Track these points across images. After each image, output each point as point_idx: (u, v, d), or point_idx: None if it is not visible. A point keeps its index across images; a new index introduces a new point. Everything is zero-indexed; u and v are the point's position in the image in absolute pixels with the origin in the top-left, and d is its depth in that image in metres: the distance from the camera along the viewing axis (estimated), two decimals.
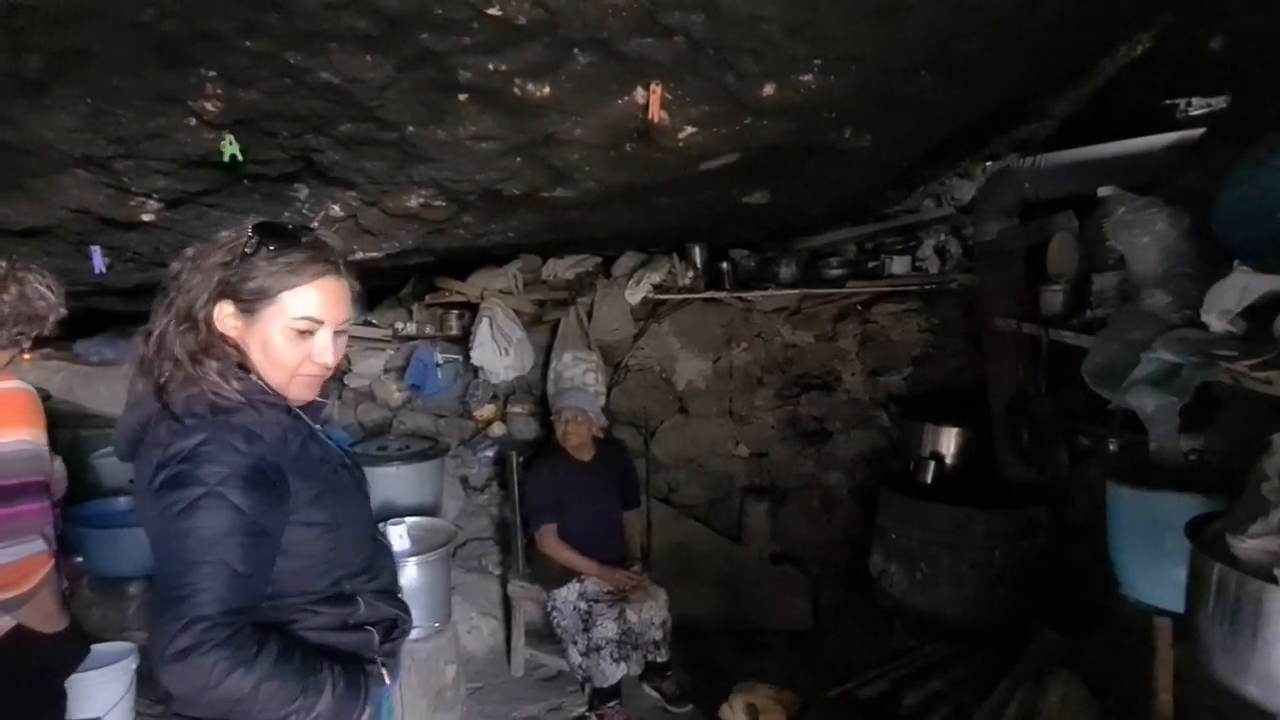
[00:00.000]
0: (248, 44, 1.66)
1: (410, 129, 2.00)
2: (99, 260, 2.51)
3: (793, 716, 2.62)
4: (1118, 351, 1.60)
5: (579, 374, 3.66)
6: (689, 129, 2.07)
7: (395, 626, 1.32)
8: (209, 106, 1.87)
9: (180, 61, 1.71)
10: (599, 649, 3.06)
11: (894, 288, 3.68)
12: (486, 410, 3.90)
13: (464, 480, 3.94)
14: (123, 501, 3.30)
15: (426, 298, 3.94)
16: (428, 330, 3.91)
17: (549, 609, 3.27)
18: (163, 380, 1.14)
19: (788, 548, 3.90)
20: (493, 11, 1.54)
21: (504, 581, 3.63)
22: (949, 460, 3.38)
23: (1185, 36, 2.41)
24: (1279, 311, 1.33)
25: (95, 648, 2.26)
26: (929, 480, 3.31)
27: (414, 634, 1.83)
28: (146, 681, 2.62)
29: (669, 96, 1.92)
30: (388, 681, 1.27)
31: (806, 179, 2.68)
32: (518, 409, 3.89)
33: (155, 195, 2.21)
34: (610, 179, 2.43)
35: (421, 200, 2.39)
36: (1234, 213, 1.53)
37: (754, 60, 1.76)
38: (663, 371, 3.98)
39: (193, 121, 1.92)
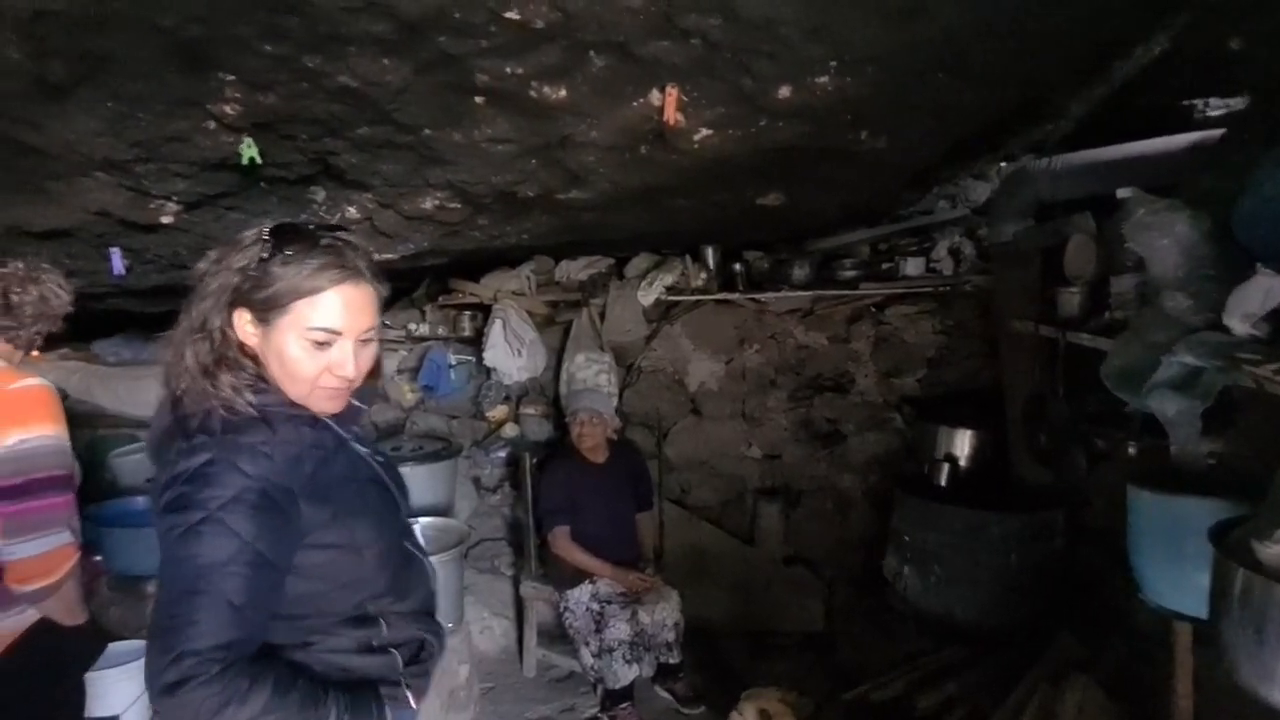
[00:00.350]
0: (267, 48, 1.68)
1: (427, 131, 2.02)
2: (118, 262, 2.54)
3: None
4: (1138, 354, 1.59)
5: (591, 375, 3.67)
6: (704, 131, 2.08)
7: (423, 648, 1.24)
8: (228, 110, 1.89)
9: (200, 66, 1.73)
10: (611, 650, 3.06)
11: (908, 289, 3.66)
12: (499, 411, 3.91)
13: (476, 481, 3.95)
14: (141, 501, 3.32)
15: (440, 299, 3.95)
16: (441, 331, 3.93)
17: (562, 610, 3.27)
18: (179, 392, 1.09)
19: (800, 550, 3.89)
20: (510, 15, 1.55)
21: (516, 582, 3.64)
22: (964, 462, 3.35)
23: (1203, 37, 2.39)
24: None
25: (113, 646, 2.28)
26: (943, 482, 3.29)
27: None
28: None
29: (684, 99, 1.92)
30: (413, 705, 1.19)
31: (821, 181, 2.68)
32: (530, 410, 3.90)
33: (174, 198, 2.23)
34: (625, 181, 2.44)
35: (437, 202, 2.40)
36: (1256, 215, 1.51)
37: (770, 63, 1.75)
38: (675, 373, 3.98)
39: (212, 125, 1.94)
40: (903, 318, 3.80)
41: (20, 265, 1.77)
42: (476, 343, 3.80)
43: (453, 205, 2.43)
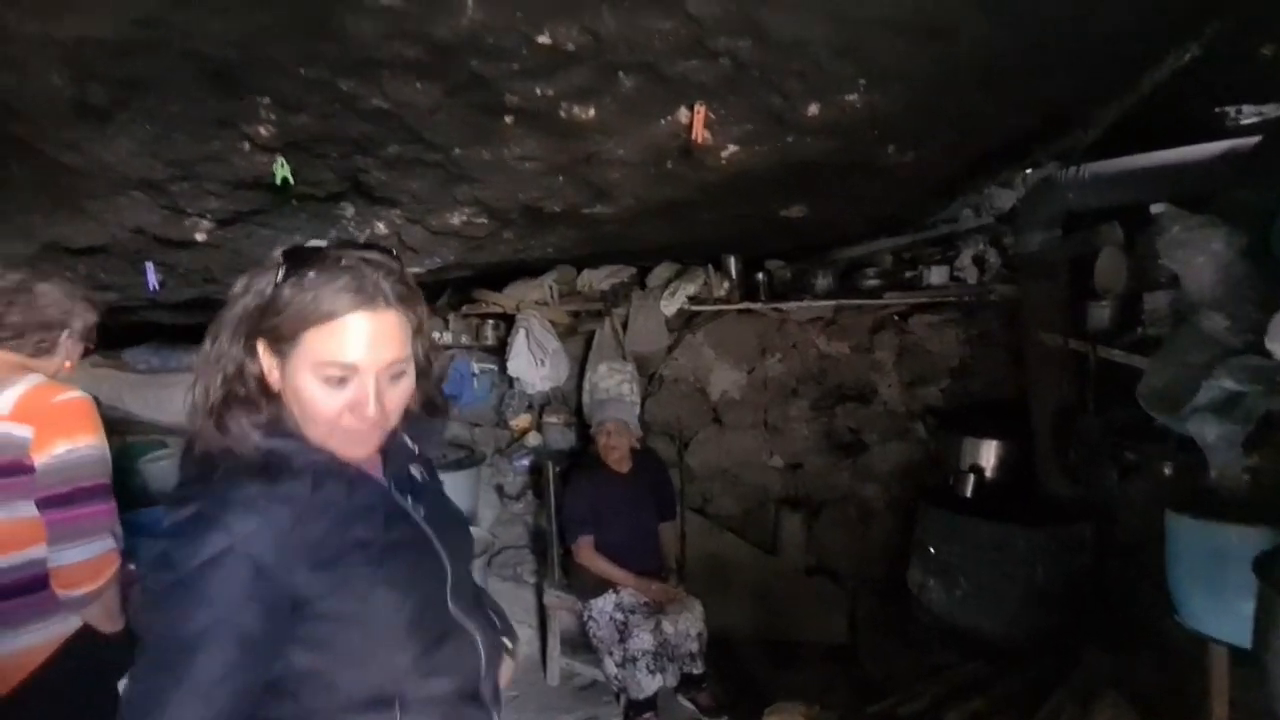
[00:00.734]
0: (302, 71, 1.70)
1: (456, 150, 2.03)
2: (153, 277, 2.58)
3: None
4: (1174, 375, 1.57)
5: (614, 385, 3.68)
6: (731, 147, 2.08)
7: None
8: (262, 131, 1.92)
9: (237, 88, 1.76)
10: (635, 660, 3.07)
11: (932, 299, 3.63)
12: (522, 420, 3.93)
13: (499, 489, 3.98)
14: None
15: (463, 308, 3.98)
16: (464, 340, 3.96)
17: (585, 619, 3.28)
18: (193, 431, 0.98)
19: (823, 560, 3.88)
20: (542, 39, 1.56)
21: (539, 590, 3.65)
22: (989, 474, 3.33)
23: (1235, 44, 2.35)
24: None
25: None
26: (968, 494, 3.27)
27: None
28: None
29: (712, 116, 1.92)
30: None
31: (846, 193, 2.67)
32: (553, 419, 3.92)
33: (208, 215, 2.27)
34: (650, 195, 2.44)
35: (464, 218, 2.42)
36: None
37: (799, 81, 1.76)
38: (697, 382, 3.98)
39: (246, 145, 1.97)
40: (926, 327, 3.78)
41: (14, 276, 1.77)
42: (499, 351, 3.83)
43: (479, 220, 2.45)
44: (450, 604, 1.07)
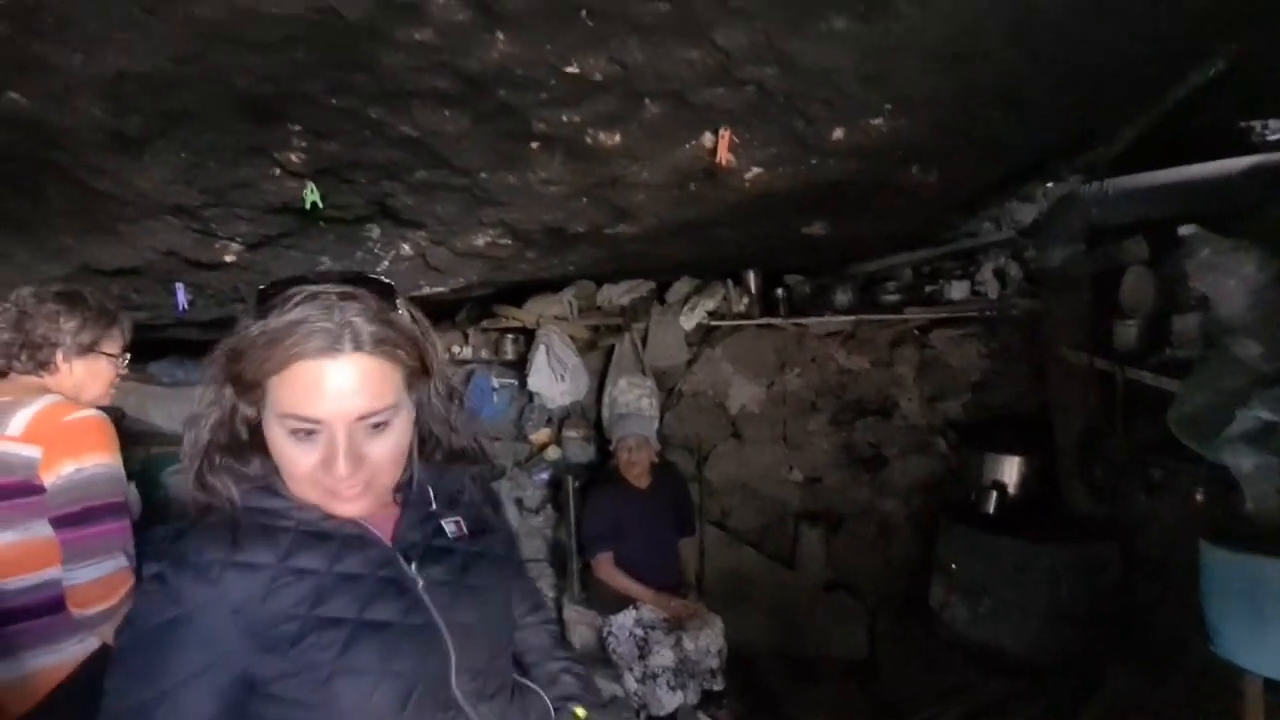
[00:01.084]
0: (334, 101, 1.73)
1: (482, 175, 2.06)
2: (182, 297, 2.63)
3: None
4: (1207, 401, 1.56)
5: (634, 399, 3.69)
6: (755, 170, 2.09)
7: None
8: (293, 158, 1.95)
9: (269, 118, 1.79)
10: (655, 676, 3.06)
11: (953, 314, 3.62)
12: (541, 434, 3.95)
13: (519, 502, 3.99)
14: None
15: (483, 322, 4.01)
16: (483, 355, 3.98)
17: (605, 634, 3.28)
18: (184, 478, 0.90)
19: (843, 575, 3.86)
20: (571, 70, 1.58)
21: (559, 604, 3.66)
22: (1011, 490, 3.30)
23: (1261, 58, 2.34)
24: None
25: None
26: (991, 511, 3.25)
27: None
28: None
29: (737, 140, 1.94)
30: None
31: (869, 212, 2.67)
32: (572, 433, 3.93)
33: (238, 239, 2.31)
34: (672, 216, 2.46)
35: (488, 239, 2.45)
36: None
37: (825, 107, 1.76)
38: (716, 396, 3.98)
39: (277, 171, 2.00)
40: (947, 341, 3.76)
41: (20, 295, 1.76)
42: (519, 366, 3.85)
43: (503, 241, 2.47)
44: (455, 689, 0.92)
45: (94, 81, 1.59)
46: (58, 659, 1.64)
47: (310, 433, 0.84)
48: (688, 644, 3.11)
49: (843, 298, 3.63)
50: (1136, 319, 2.28)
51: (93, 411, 1.71)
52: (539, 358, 3.58)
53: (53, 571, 1.61)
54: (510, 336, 3.97)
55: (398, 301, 0.90)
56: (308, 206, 2.06)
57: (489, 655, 0.99)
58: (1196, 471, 1.93)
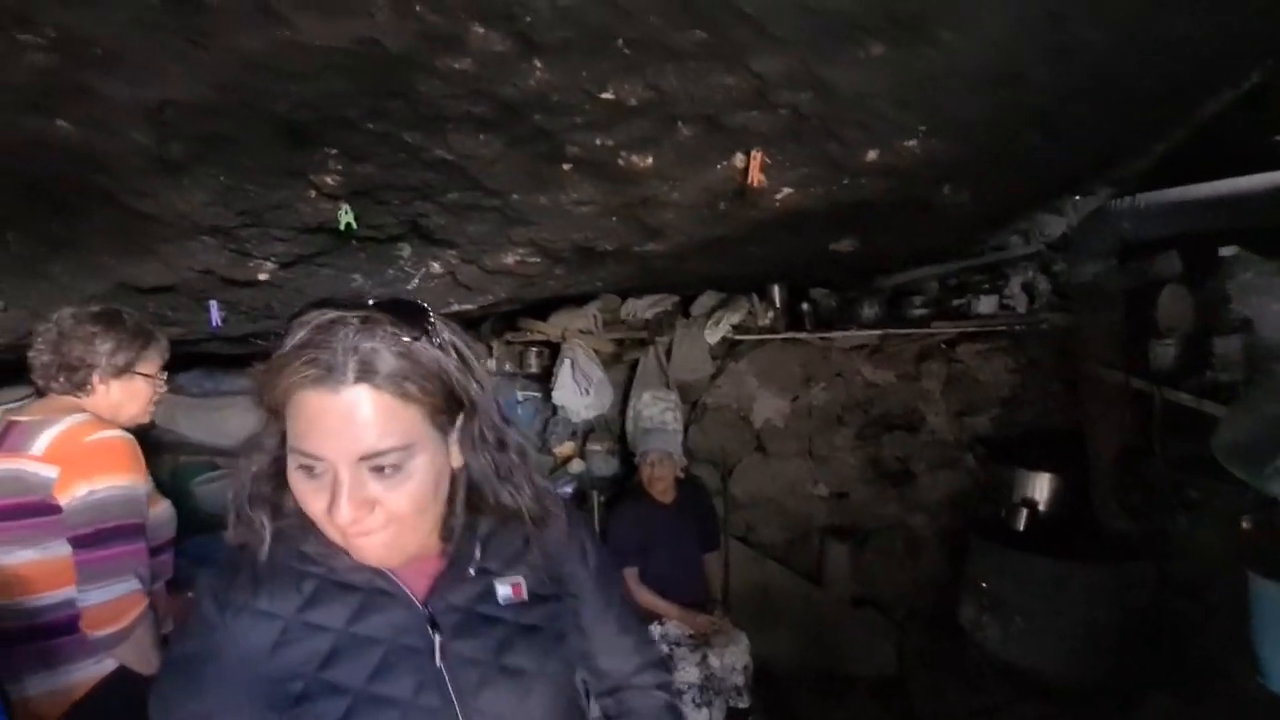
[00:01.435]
0: (370, 126, 1.75)
1: (514, 196, 2.07)
2: (216, 314, 2.66)
3: None
4: (1254, 429, 1.53)
5: (658, 413, 3.69)
6: (786, 190, 2.09)
7: None
8: (329, 180, 1.98)
9: (307, 143, 1.81)
10: (681, 693, 3.05)
11: (981, 328, 3.58)
12: (566, 447, 3.95)
13: None
14: (227, 536, 3.45)
15: (507, 335, 4.02)
16: (507, 367, 3.99)
17: None
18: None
19: (870, 591, 3.83)
20: (606, 95, 1.59)
21: None
22: (1042, 507, 3.26)
23: None
24: None
25: None
26: (1021, 528, 3.21)
27: None
28: None
29: (768, 161, 1.94)
30: None
31: (899, 229, 2.66)
32: (597, 446, 3.93)
33: (272, 258, 2.33)
34: (701, 234, 2.46)
35: (517, 257, 2.46)
36: None
37: (859, 130, 1.76)
38: (740, 410, 3.97)
39: (313, 193, 2.03)
40: (974, 355, 3.73)
41: (62, 316, 1.79)
42: (543, 379, 3.86)
43: (532, 260, 2.48)
44: None
45: (139, 109, 1.62)
46: (74, 679, 1.64)
47: (315, 470, 0.76)
48: (713, 660, 3.10)
49: (869, 311, 3.60)
50: (1174, 338, 2.24)
51: (117, 432, 1.71)
52: (564, 371, 3.59)
53: (70, 591, 1.61)
54: (535, 350, 3.98)
55: (433, 328, 0.79)
56: (342, 227, 2.09)
57: None
58: (1239, 496, 1.89)
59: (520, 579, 0.90)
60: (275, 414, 0.80)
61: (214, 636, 0.81)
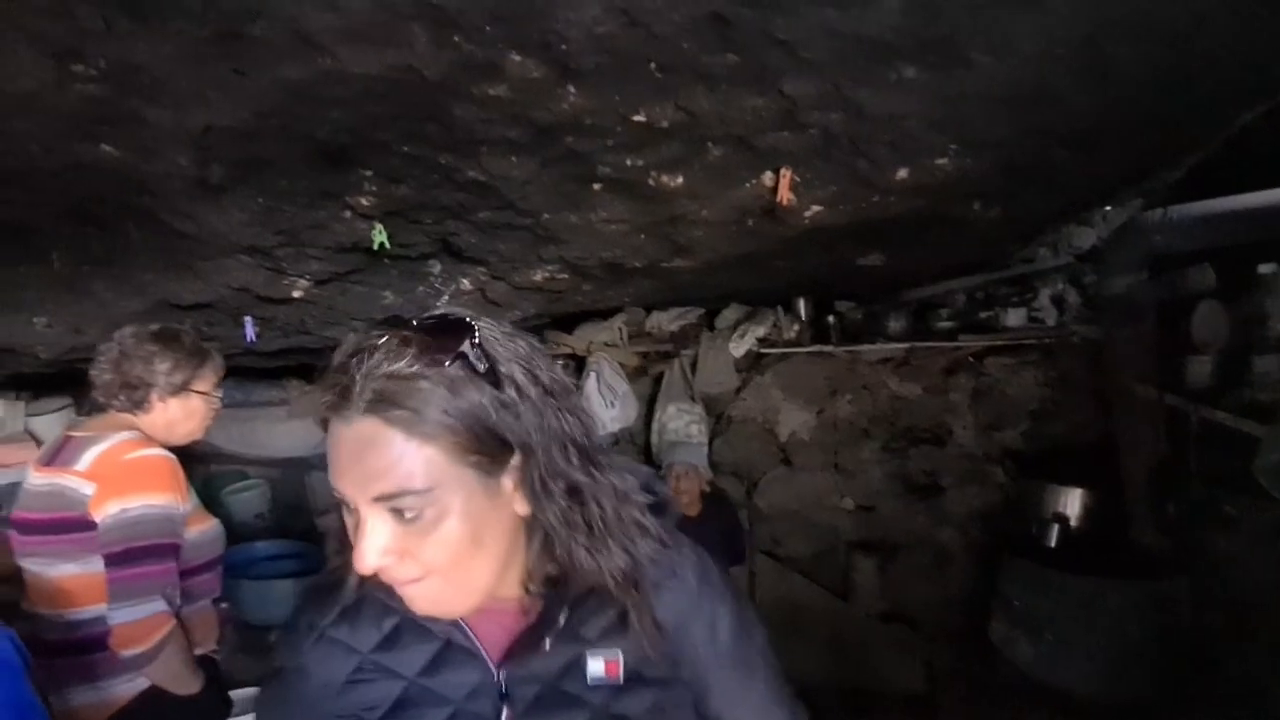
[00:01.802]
0: (405, 149, 1.78)
1: (545, 215, 2.09)
2: (251, 330, 2.72)
3: None
4: None
5: (682, 426, 3.69)
6: (815, 208, 2.09)
7: None
8: (364, 201, 2.01)
9: (343, 165, 1.85)
10: None
11: (1010, 341, 3.55)
12: None
13: None
14: (260, 546, 3.50)
15: None
16: None
17: None
18: None
19: (898, 606, 3.79)
20: (638, 118, 1.61)
21: None
22: (1074, 523, 3.21)
23: None
24: None
25: (235, 694, 2.36)
26: (1053, 544, 3.16)
27: None
28: None
29: (797, 179, 1.94)
30: None
31: (927, 244, 2.65)
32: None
33: (307, 276, 2.38)
34: (728, 250, 2.47)
35: (546, 274, 2.48)
36: None
37: (890, 150, 1.76)
38: (765, 422, 3.96)
39: (348, 214, 2.07)
40: (1003, 368, 3.68)
41: (122, 334, 1.81)
42: None
43: (561, 276, 2.51)
44: None
45: (182, 134, 1.67)
46: (113, 692, 1.66)
47: (347, 506, 0.69)
48: None
49: (896, 324, 3.59)
50: (1210, 355, 2.21)
51: (157, 451, 1.72)
52: (589, 385, 3.61)
53: (104, 607, 1.62)
54: (560, 362, 4.00)
55: (477, 350, 0.67)
56: (376, 246, 2.12)
57: None
58: (1273, 507, 1.86)
59: (618, 655, 0.75)
60: None
61: (300, 657, 0.78)
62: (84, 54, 1.36)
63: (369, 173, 1.90)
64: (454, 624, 0.76)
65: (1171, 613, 2.78)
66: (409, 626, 0.76)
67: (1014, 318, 3.50)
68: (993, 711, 3.07)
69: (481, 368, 0.67)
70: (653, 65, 1.45)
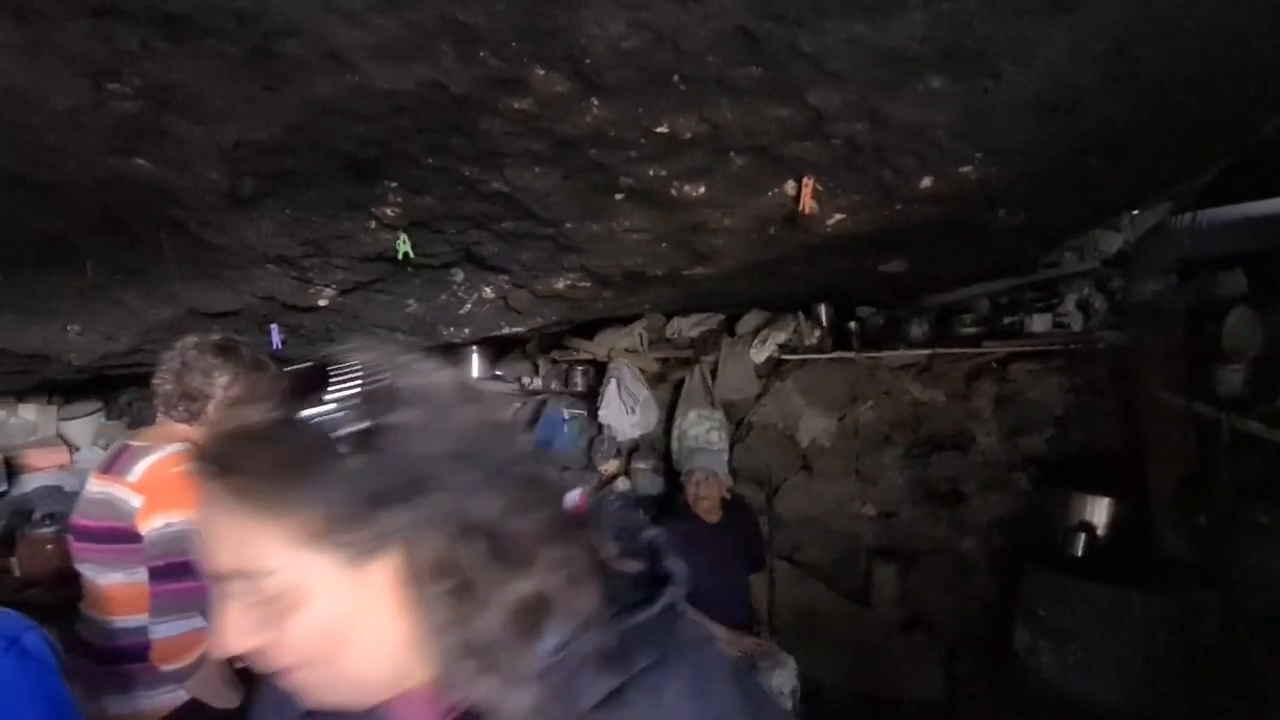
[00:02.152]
0: (430, 161, 1.80)
1: (567, 225, 2.11)
2: (276, 337, 2.76)
3: None
4: None
5: (703, 432, 3.69)
6: (838, 216, 2.09)
7: None
8: (389, 212, 2.04)
9: (369, 177, 1.87)
10: None
11: (1034, 347, 3.51)
12: (611, 465, 3.97)
13: None
14: None
15: (553, 354, 4.07)
16: (553, 385, 4.04)
17: None
18: None
19: (919, 614, 3.76)
20: (661, 130, 1.61)
21: None
22: (1100, 532, 3.16)
23: None
24: None
25: None
26: (1078, 554, 3.12)
27: None
28: None
29: (820, 188, 1.94)
30: None
31: (951, 250, 2.63)
32: (641, 464, 3.95)
33: (333, 285, 2.41)
34: (749, 257, 2.47)
35: (568, 283, 2.50)
36: None
37: (914, 159, 1.75)
38: (786, 428, 3.94)
39: (373, 224, 2.10)
40: (1027, 374, 3.64)
41: (184, 343, 1.83)
42: (588, 397, 3.89)
43: (582, 284, 2.52)
44: None
45: (213, 148, 1.70)
46: (151, 703, 1.68)
47: None
48: (760, 684, 3.08)
49: (917, 330, 3.56)
50: (1241, 363, 2.17)
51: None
52: (610, 391, 3.62)
53: (145, 618, 1.65)
54: (581, 368, 4.02)
55: (348, 412, 0.55)
56: (400, 256, 2.15)
57: None
58: None
59: None
60: None
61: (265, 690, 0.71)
62: (120, 73, 1.39)
63: (394, 184, 1.92)
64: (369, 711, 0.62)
65: (1200, 625, 2.73)
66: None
67: (1039, 323, 3.45)
68: None
69: (355, 429, 0.54)
70: (677, 78, 1.45)
